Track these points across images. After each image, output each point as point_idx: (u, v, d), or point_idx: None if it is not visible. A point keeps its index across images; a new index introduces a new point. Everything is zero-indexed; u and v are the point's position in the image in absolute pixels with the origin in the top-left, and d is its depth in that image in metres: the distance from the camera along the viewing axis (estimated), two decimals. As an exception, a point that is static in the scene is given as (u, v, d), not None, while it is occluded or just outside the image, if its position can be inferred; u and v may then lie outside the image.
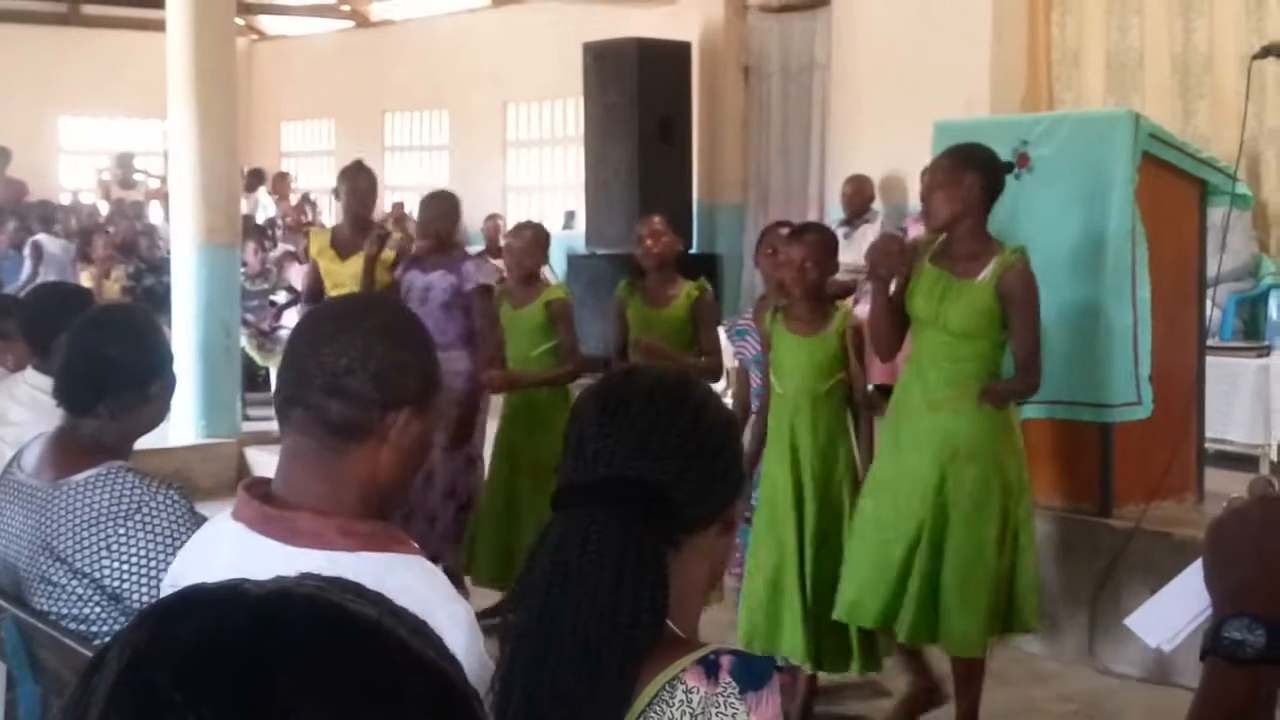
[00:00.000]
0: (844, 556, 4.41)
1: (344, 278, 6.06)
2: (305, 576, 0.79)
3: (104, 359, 2.70)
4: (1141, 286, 5.13)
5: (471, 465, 5.74)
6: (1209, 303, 5.84)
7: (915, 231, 8.21)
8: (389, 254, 6.05)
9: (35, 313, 3.84)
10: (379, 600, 0.77)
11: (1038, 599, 4.42)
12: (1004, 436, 4.30)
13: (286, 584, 0.75)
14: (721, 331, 5.36)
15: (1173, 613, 1.34)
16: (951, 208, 4.22)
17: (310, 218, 13.80)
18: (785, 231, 4.89)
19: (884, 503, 4.36)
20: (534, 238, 5.70)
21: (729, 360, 5.80)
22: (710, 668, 1.53)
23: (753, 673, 1.54)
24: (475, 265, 5.84)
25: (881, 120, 9.71)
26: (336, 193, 6.40)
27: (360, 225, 6.18)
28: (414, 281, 5.82)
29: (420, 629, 0.77)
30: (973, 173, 4.21)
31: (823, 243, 4.57)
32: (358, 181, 6.24)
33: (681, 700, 1.52)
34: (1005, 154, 5.31)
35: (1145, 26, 9.09)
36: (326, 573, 1.00)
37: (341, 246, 6.18)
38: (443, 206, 6.02)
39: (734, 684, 1.52)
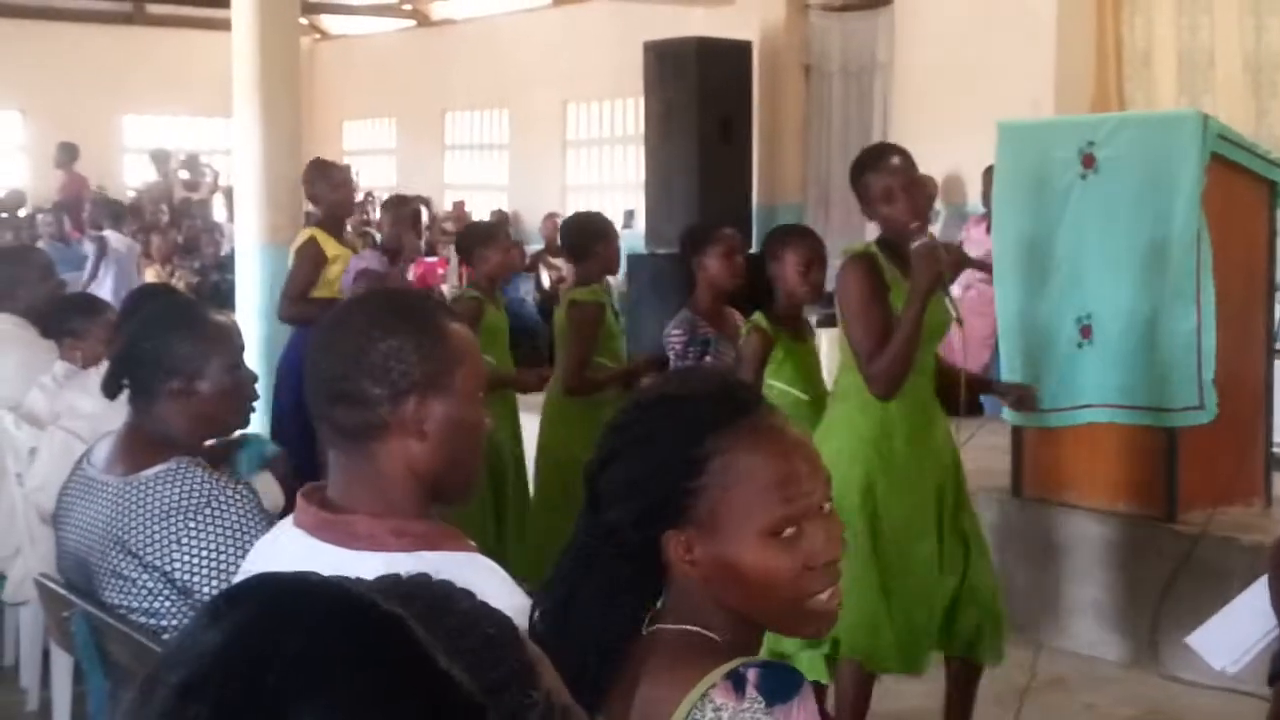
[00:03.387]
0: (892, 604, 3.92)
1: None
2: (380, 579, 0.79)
3: (142, 350, 2.72)
4: (1205, 289, 5.06)
5: None
6: (1278, 306, 5.76)
7: (977, 232, 8.14)
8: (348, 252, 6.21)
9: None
10: (438, 603, 0.77)
11: None
12: None
13: (322, 582, 0.75)
14: (676, 341, 4.81)
15: (1237, 633, 1.30)
16: None
17: (371, 216, 13.90)
18: (730, 232, 4.85)
19: (923, 537, 3.95)
20: None
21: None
22: (738, 682, 1.50)
23: (781, 684, 1.51)
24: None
25: (943, 120, 9.64)
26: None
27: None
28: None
29: (471, 631, 0.76)
30: None
31: (821, 246, 4.59)
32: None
33: (712, 718, 1.49)
34: (1071, 155, 5.28)
35: (1216, 25, 8.97)
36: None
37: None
38: (407, 211, 6.20)
39: (759, 699, 1.49)
